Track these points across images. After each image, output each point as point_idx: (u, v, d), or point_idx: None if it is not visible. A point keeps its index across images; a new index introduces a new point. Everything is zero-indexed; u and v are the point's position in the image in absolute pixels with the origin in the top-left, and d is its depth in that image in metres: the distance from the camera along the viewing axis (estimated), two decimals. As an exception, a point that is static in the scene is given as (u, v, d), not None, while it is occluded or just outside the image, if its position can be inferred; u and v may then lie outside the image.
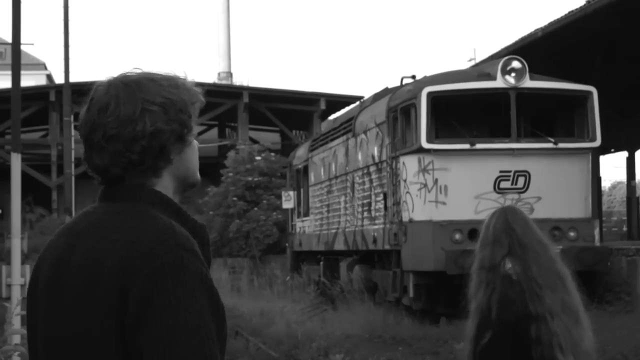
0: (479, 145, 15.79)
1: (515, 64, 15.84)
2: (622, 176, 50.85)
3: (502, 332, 3.61)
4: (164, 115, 2.14)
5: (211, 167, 39.19)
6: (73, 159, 32.74)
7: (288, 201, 25.64)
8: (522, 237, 3.77)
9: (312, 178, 23.36)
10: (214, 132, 43.54)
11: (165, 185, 2.20)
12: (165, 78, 2.19)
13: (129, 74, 2.20)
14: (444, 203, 15.74)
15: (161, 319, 1.96)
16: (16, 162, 12.12)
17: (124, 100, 2.14)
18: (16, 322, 7.79)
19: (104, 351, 2.03)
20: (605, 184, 69.66)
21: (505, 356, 3.63)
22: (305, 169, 24.20)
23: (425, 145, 15.66)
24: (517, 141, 15.87)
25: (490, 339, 3.66)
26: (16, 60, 13.18)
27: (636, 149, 33.18)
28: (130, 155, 2.12)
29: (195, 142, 2.26)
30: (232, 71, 54.00)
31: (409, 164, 16.12)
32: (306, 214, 24.15)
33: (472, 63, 34.14)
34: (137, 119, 2.11)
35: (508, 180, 15.75)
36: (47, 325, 2.15)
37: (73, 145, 32.75)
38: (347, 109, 26.12)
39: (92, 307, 2.04)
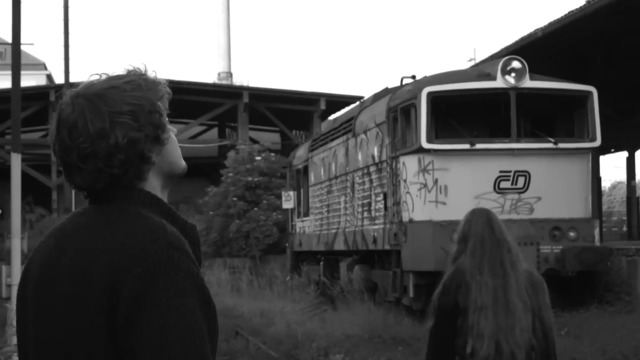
0: (479, 146, 15.79)
1: (515, 64, 15.84)
2: (622, 176, 50.84)
3: (440, 318, 4.02)
4: (135, 123, 2.11)
5: (211, 167, 39.20)
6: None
7: (288, 201, 25.63)
8: (486, 236, 4.14)
9: (312, 178, 23.35)
10: (214, 132, 43.53)
11: (153, 185, 2.19)
12: (127, 81, 2.15)
13: (90, 85, 2.17)
14: (444, 203, 15.74)
15: (153, 319, 1.95)
16: (16, 162, 12.13)
17: (90, 117, 2.09)
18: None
19: (94, 351, 2.02)
20: (605, 184, 69.63)
21: (443, 340, 4.02)
22: (305, 169, 24.19)
23: (425, 145, 15.65)
24: (517, 141, 15.87)
25: (433, 323, 4.08)
26: (16, 60, 13.19)
27: (636, 149, 33.18)
28: (111, 170, 2.10)
29: (172, 136, 2.24)
30: (232, 71, 53.98)
31: (409, 164, 16.11)
32: (306, 214, 24.15)
33: (472, 63, 34.15)
34: (108, 134, 2.08)
35: (508, 180, 15.75)
36: (37, 326, 2.14)
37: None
38: (347, 109, 26.11)
39: (83, 307, 2.03)
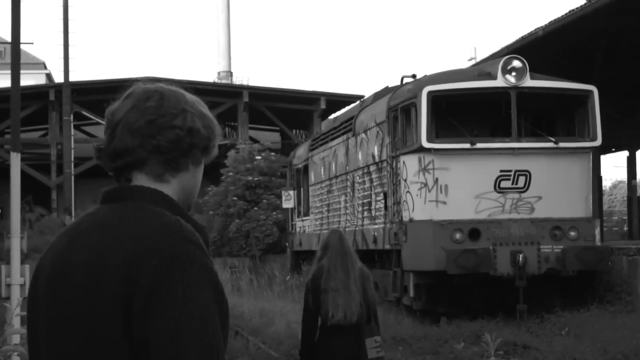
0: (479, 145, 15.77)
1: (516, 63, 15.81)
2: (623, 175, 50.84)
3: (311, 295, 6.63)
4: (201, 120, 2.30)
5: (211, 166, 39.07)
6: (72, 159, 32.71)
7: (288, 201, 25.61)
8: (336, 248, 6.71)
9: (312, 177, 23.33)
10: (214, 131, 43.47)
11: (172, 191, 2.25)
12: (203, 105, 2.39)
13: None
14: (444, 202, 15.72)
15: (168, 310, 1.98)
16: (16, 162, 12.10)
17: (167, 96, 2.26)
18: (16, 322, 7.76)
19: (110, 343, 2.03)
20: (606, 183, 69.74)
21: (311, 309, 6.66)
22: (306, 169, 24.17)
23: (426, 144, 15.63)
24: (518, 140, 15.85)
25: (306, 298, 6.68)
26: (16, 59, 13.16)
27: (637, 148, 33.16)
28: (161, 140, 2.20)
29: (201, 171, 2.40)
30: (232, 70, 53.99)
31: (409, 164, 16.09)
32: (306, 214, 24.13)
33: (473, 62, 34.11)
34: (178, 113, 2.24)
35: (508, 179, 15.73)
36: (50, 323, 2.14)
37: (72, 145, 32.74)
38: (347, 108, 26.09)
39: (99, 300, 2.05)
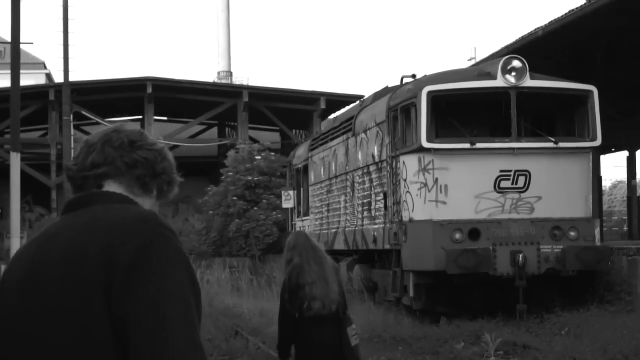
0: (479, 145, 15.76)
1: (516, 64, 15.80)
2: (623, 176, 50.83)
3: (288, 291, 6.82)
4: (171, 160, 2.49)
5: (211, 166, 39.16)
6: (72, 159, 32.68)
7: (288, 201, 25.60)
8: (305, 245, 6.94)
9: (312, 178, 23.33)
10: (214, 131, 43.49)
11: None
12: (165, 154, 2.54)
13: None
14: (444, 203, 15.71)
15: (148, 285, 2.07)
16: (16, 162, 12.11)
17: (146, 134, 2.50)
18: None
19: (95, 329, 2.08)
20: (606, 183, 69.74)
21: (291, 309, 6.79)
22: (306, 169, 24.16)
23: (426, 144, 15.62)
24: (518, 141, 15.84)
25: (282, 294, 6.90)
26: (16, 59, 13.17)
27: (637, 149, 33.16)
28: (140, 156, 2.38)
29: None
30: (232, 70, 53.96)
31: (409, 164, 16.09)
32: (306, 214, 24.12)
33: (473, 62, 34.11)
34: (155, 143, 2.44)
35: (509, 179, 15.72)
36: (26, 323, 2.16)
37: (72, 145, 32.71)
38: (347, 108, 26.08)
39: (80, 288, 2.10)
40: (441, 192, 15.74)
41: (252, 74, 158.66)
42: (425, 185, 15.80)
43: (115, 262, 2.08)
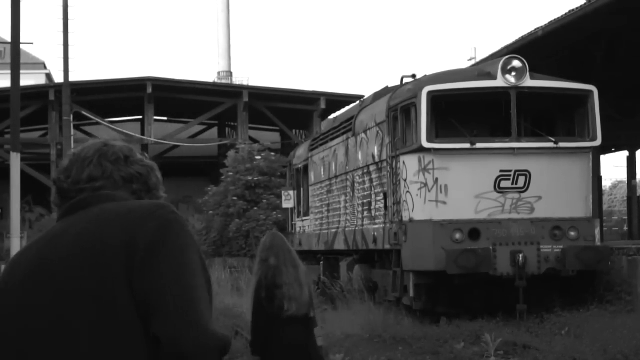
0: (479, 145, 15.76)
1: (516, 63, 15.81)
2: (623, 175, 50.83)
3: (262, 290, 6.95)
4: (159, 178, 2.56)
5: (211, 166, 39.16)
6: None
7: (288, 201, 25.59)
8: (282, 247, 7.11)
9: (312, 177, 23.32)
10: (214, 131, 43.48)
11: None
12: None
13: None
14: (444, 202, 15.71)
15: (169, 259, 2.18)
16: (15, 162, 12.11)
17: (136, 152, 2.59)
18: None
19: (119, 307, 2.14)
20: (606, 183, 69.71)
21: (266, 307, 6.92)
22: (305, 169, 24.16)
23: (426, 144, 15.62)
24: (518, 140, 15.84)
25: (265, 293, 6.95)
26: (16, 59, 13.17)
27: (637, 148, 33.15)
28: (135, 170, 2.46)
29: None
30: (232, 70, 53.96)
31: (409, 164, 16.08)
32: (306, 214, 24.11)
33: (473, 62, 34.11)
34: (145, 158, 2.52)
35: (508, 179, 15.72)
36: (28, 317, 2.18)
37: (72, 145, 32.71)
38: (347, 108, 26.07)
39: (98, 270, 2.16)
40: (441, 192, 15.74)
41: (252, 74, 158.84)
42: (425, 185, 15.80)
43: (134, 242, 2.18)
